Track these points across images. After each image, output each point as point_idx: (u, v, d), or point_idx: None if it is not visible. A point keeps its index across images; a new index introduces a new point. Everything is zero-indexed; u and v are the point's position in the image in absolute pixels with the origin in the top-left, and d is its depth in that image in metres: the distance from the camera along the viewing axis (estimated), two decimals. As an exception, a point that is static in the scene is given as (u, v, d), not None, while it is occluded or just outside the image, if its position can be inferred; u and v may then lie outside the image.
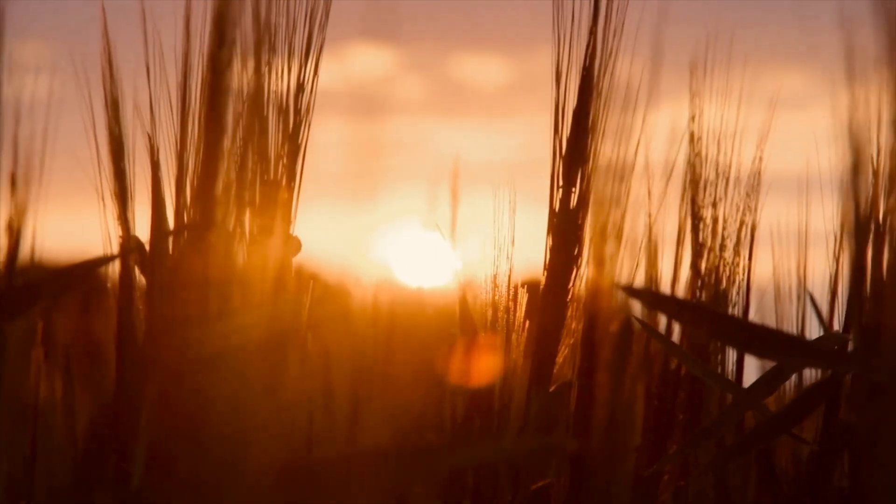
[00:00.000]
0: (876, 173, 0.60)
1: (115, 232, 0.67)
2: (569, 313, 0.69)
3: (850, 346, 0.69)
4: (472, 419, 0.69)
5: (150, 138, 0.65)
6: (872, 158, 0.60)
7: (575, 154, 0.69)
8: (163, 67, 0.64)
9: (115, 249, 0.66)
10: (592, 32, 0.67)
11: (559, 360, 0.69)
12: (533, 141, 0.71)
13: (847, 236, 0.56)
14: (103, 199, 0.67)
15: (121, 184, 0.66)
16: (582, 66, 0.68)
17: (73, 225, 0.77)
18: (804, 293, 0.75)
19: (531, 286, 0.71)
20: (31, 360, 0.72)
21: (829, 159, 0.71)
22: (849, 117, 0.54)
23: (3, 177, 0.60)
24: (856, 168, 0.55)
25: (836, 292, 0.74)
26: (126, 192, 0.66)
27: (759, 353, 0.64)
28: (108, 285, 0.67)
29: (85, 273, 0.58)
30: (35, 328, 0.70)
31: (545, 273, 0.69)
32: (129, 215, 0.66)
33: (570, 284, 0.69)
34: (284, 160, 0.63)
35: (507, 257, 0.71)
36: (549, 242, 0.69)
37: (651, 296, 0.65)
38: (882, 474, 0.54)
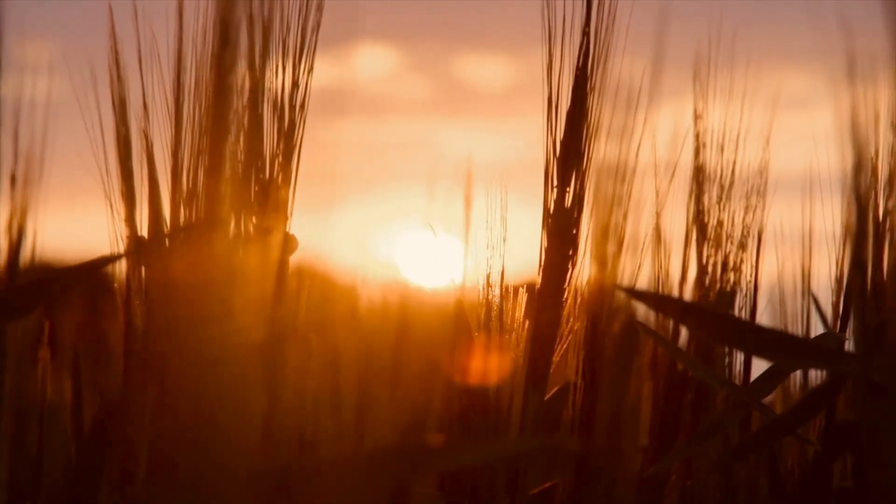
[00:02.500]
0: (876, 173, 0.60)
1: (122, 232, 0.67)
2: (565, 313, 0.69)
3: (849, 345, 0.69)
4: (471, 419, 0.69)
5: (146, 136, 0.65)
6: (873, 158, 0.60)
7: (569, 154, 0.68)
8: (159, 66, 0.64)
9: (122, 249, 0.67)
10: (586, 31, 0.67)
11: (555, 359, 0.69)
12: (537, 141, 0.71)
13: (848, 236, 0.56)
14: (110, 200, 0.67)
15: (128, 184, 0.67)
16: (575, 65, 0.68)
17: (77, 225, 0.77)
18: (808, 293, 0.75)
19: (531, 286, 0.71)
20: (38, 361, 0.72)
21: (833, 159, 0.71)
22: (851, 117, 0.54)
23: (5, 176, 0.60)
24: (857, 168, 0.54)
25: (841, 292, 0.74)
26: (133, 193, 0.67)
27: (762, 355, 0.63)
28: (115, 285, 0.67)
29: (86, 273, 0.58)
30: (42, 328, 0.71)
31: (540, 273, 0.69)
32: (136, 215, 0.66)
33: (566, 284, 0.69)
34: (280, 159, 0.63)
35: (501, 257, 0.71)
36: (544, 242, 0.69)
37: (653, 298, 0.65)
38: (884, 474, 0.54)
